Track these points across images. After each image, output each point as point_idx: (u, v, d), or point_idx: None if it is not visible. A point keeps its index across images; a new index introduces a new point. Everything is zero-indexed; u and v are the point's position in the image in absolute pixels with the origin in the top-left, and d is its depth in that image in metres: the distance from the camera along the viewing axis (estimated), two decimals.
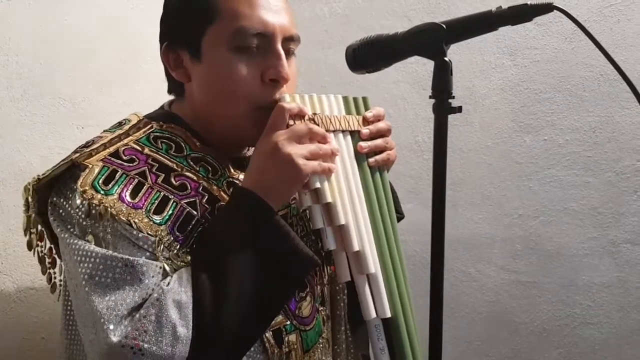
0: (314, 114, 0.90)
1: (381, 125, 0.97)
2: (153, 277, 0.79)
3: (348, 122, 0.94)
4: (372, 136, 0.96)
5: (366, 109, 0.98)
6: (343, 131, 0.94)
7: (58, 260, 0.94)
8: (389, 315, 0.92)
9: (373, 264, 0.91)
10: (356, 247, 0.89)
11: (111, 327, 0.75)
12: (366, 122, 0.96)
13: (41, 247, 0.92)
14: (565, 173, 1.72)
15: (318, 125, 0.89)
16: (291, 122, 0.87)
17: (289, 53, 0.93)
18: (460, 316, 1.79)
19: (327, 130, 0.90)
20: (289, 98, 0.89)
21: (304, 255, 0.84)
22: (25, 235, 0.91)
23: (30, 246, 0.92)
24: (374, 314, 0.91)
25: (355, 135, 0.95)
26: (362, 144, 0.94)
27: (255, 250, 0.82)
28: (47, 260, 0.94)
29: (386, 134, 0.98)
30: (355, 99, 0.98)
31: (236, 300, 0.79)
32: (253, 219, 0.83)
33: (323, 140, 0.88)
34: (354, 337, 1.08)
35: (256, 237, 0.82)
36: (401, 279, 0.95)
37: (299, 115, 0.88)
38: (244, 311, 0.80)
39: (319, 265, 0.95)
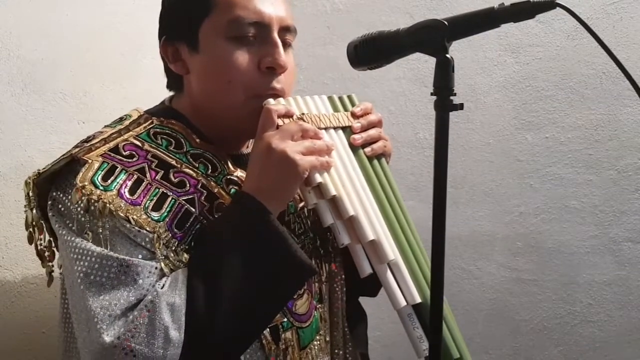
0: (302, 113, 0.91)
1: (372, 117, 0.98)
2: (148, 277, 0.79)
3: (337, 119, 0.95)
4: (364, 128, 0.97)
5: (352, 105, 0.99)
6: (334, 128, 0.95)
7: (57, 253, 0.94)
8: (419, 300, 0.91)
9: (391, 251, 0.91)
10: (370, 236, 0.89)
11: (104, 327, 0.75)
12: (355, 117, 0.97)
13: (40, 240, 0.93)
14: (566, 171, 1.71)
15: (308, 123, 0.90)
16: (280, 122, 0.88)
17: (285, 44, 0.93)
18: (461, 313, 1.79)
19: (318, 128, 0.91)
20: (274, 101, 0.90)
21: (301, 262, 0.84)
22: (27, 230, 0.92)
23: (30, 240, 0.92)
24: (403, 302, 0.90)
25: (347, 130, 0.96)
26: (356, 136, 0.95)
27: (251, 256, 0.81)
28: (47, 253, 0.94)
29: (378, 125, 0.99)
30: (340, 97, 0.99)
31: (230, 306, 0.79)
32: (250, 223, 0.83)
33: (316, 136, 0.89)
34: (353, 336, 1.08)
35: (252, 242, 0.82)
36: (422, 262, 0.94)
37: (287, 116, 0.89)
38: (237, 316, 0.80)
39: (316, 273, 0.95)
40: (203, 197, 0.88)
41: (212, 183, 0.91)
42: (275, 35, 0.91)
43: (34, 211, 0.90)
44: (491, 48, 1.74)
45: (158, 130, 0.93)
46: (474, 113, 1.75)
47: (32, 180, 0.88)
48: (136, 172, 0.86)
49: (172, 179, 0.88)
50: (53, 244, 0.93)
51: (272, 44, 0.91)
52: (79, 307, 0.79)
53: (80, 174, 0.83)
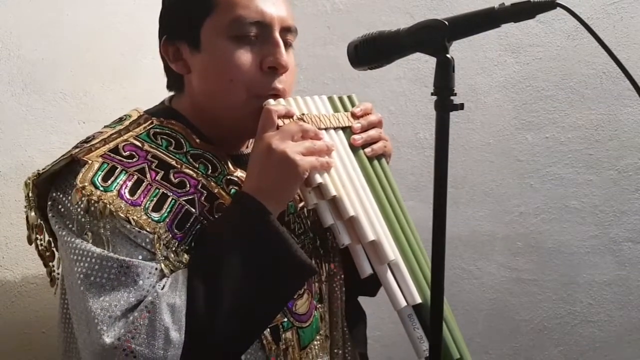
0: (302, 114, 0.91)
1: (372, 117, 0.98)
2: (148, 278, 0.79)
3: (337, 119, 0.95)
4: (364, 129, 0.97)
5: (352, 105, 0.99)
6: (334, 128, 0.95)
7: (56, 254, 0.94)
8: (419, 300, 0.91)
9: (392, 251, 0.91)
10: (371, 237, 0.89)
11: (104, 328, 0.75)
12: (355, 117, 0.97)
13: (40, 240, 0.93)
14: (566, 171, 1.71)
15: (308, 124, 0.90)
16: (280, 122, 0.88)
17: (286, 44, 0.94)
18: (461, 313, 1.79)
19: (319, 128, 0.91)
20: (274, 102, 0.90)
21: (301, 262, 0.84)
22: (29, 230, 0.92)
23: (30, 240, 0.92)
24: (403, 303, 0.90)
25: (347, 130, 0.96)
26: (356, 136, 0.95)
27: (251, 256, 0.81)
28: (47, 253, 0.94)
29: (378, 125, 0.99)
30: (340, 98, 0.99)
31: (230, 306, 0.79)
32: (250, 223, 0.83)
33: (316, 137, 0.89)
34: (352, 336, 1.08)
35: (252, 242, 0.82)
36: (423, 262, 0.94)
37: (287, 116, 0.89)
38: (237, 316, 0.80)
39: (316, 273, 0.95)
40: (203, 198, 0.88)
41: (212, 183, 0.91)
42: (277, 35, 0.91)
43: (33, 212, 0.90)
44: (491, 48, 1.74)
45: (158, 130, 0.93)
46: (474, 113, 1.75)
47: (32, 181, 0.88)
48: (136, 173, 0.86)
49: (172, 179, 0.88)
50: (52, 245, 0.93)
51: (273, 44, 0.91)
52: (79, 308, 0.79)
53: (80, 174, 0.83)
